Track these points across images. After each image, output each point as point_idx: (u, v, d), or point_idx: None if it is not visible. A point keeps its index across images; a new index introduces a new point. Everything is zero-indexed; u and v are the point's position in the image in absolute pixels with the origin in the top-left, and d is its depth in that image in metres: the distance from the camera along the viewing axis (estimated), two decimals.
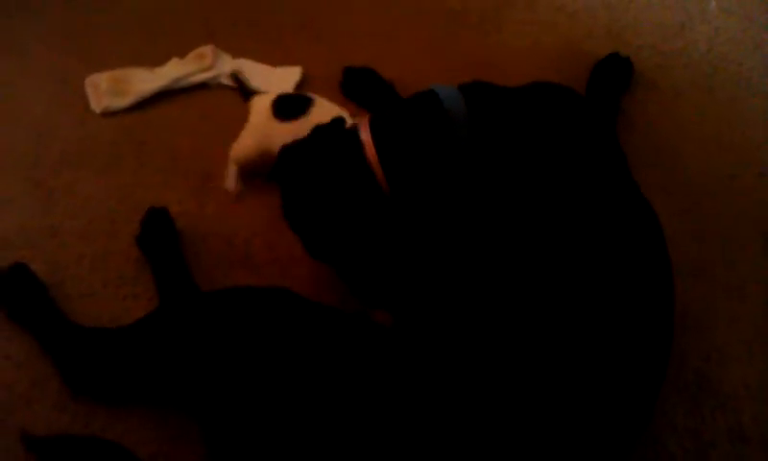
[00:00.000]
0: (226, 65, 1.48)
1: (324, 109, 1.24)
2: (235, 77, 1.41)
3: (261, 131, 1.26)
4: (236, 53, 1.51)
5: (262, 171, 1.25)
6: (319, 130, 1.05)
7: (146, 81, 1.45)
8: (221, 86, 1.47)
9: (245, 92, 1.36)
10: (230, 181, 1.29)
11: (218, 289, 1.04)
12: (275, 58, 1.50)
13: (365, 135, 1.00)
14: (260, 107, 1.28)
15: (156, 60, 1.49)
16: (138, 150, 1.36)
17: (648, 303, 0.89)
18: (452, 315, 0.91)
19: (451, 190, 0.97)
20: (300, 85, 1.46)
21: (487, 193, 0.95)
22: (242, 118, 1.29)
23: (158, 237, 1.18)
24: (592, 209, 0.91)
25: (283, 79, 1.47)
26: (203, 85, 1.47)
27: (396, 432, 0.81)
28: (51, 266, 1.17)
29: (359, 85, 1.44)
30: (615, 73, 1.47)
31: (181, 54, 1.50)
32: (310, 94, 1.30)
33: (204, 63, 1.47)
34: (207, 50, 1.49)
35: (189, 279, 1.14)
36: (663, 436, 1.03)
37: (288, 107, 1.25)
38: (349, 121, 1.16)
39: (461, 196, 0.97)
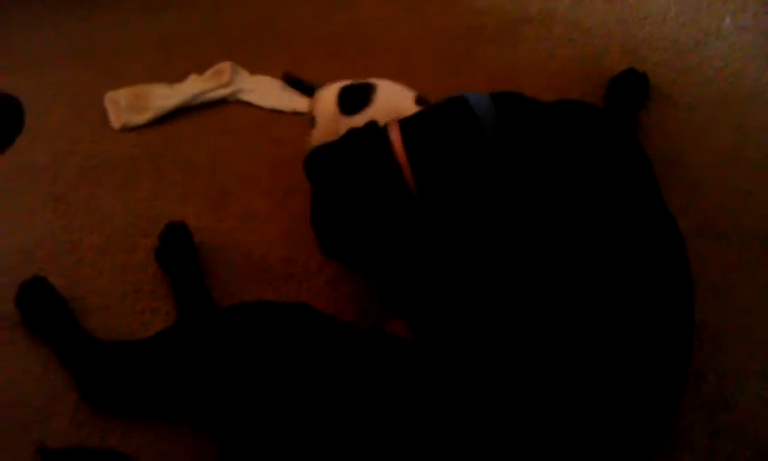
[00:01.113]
0: (243, 82, 1.50)
1: (389, 91, 1.22)
2: (288, 78, 1.42)
3: (332, 127, 1.23)
4: (254, 69, 1.53)
5: None
6: (351, 132, 1.06)
7: (165, 97, 1.46)
8: (239, 102, 1.48)
9: (305, 89, 1.36)
10: None
11: (236, 304, 1.04)
12: None
13: (395, 137, 1.00)
14: (325, 102, 1.26)
15: (175, 77, 1.51)
16: (157, 165, 1.37)
17: (669, 318, 0.88)
18: (475, 324, 0.91)
19: (478, 195, 0.97)
20: None
21: (513, 200, 0.95)
22: (260, 133, 1.30)
23: (177, 251, 1.19)
24: (617, 222, 0.91)
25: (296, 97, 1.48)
26: (221, 101, 1.48)
27: (415, 446, 0.81)
28: (70, 280, 1.18)
29: None
30: (633, 88, 1.47)
31: (200, 70, 1.52)
32: (373, 80, 1.26)
33: (223, 79, 1.49)
34: (225, 66, 1.51)
35: (206, 294, 1.14)
36: (680, 453, 1.02)
37: (352, 98, 1.23)
38: (411, 104, 1.15)
39: (487, 201, 0.96)
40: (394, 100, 1.07)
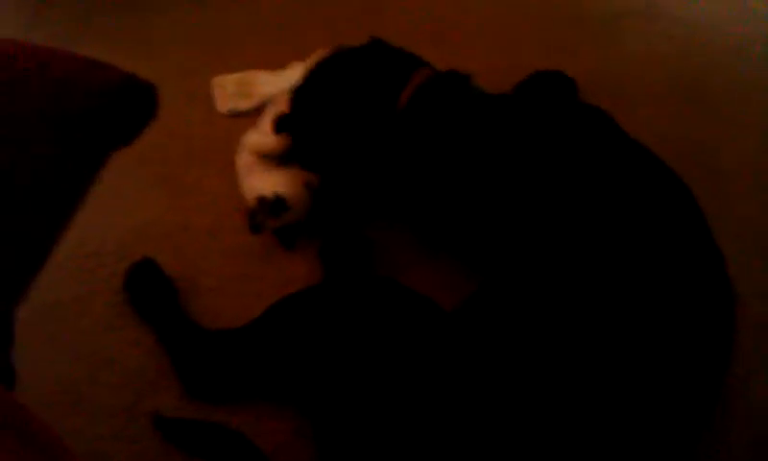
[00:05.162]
0: None
1: None
2: None
3: None
4: None
5: None
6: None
7: (269, 84, 1.49)
8: None
9: None
10: None
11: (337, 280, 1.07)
12: None
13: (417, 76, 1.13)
14: None
15: (279, 63, 1.53)
16: None
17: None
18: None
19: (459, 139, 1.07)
20: None
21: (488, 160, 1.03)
22: None
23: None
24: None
25: None
26: None
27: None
28: (179, 260, 1.22)
29: None
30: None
31: (302, 58, 1.54)
32: None
33: None
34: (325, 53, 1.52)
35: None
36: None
37: None
38: None
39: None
40: None
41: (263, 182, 1.22)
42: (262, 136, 1.28)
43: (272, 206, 1.18)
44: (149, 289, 1.17)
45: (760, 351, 1.08)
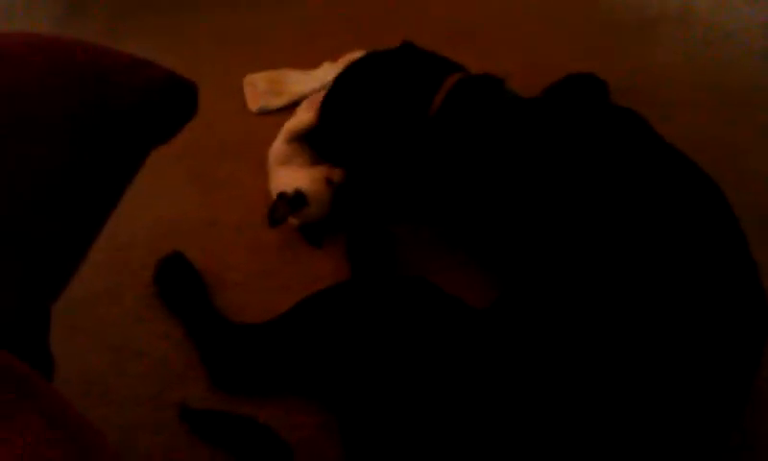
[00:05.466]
0: None
1: None
2: None
3: None
4: None
5: None
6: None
7: (300, 83, 1.51)
8: None
9: None
10: None
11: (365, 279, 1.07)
12: None
13: (450, 80, 1.12)
14: None
15: (310, 64, 1.55)
16: None
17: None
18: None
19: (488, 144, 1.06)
20: None
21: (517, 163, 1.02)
22: None
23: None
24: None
25: None
26: None
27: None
28: (207, 254, 1.23)
29: None
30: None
31: (334, 58, 1.55)
32: None
33: None
34: (358, 55, 1.53)
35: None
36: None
37: None
38: None
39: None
40: None
41: (287, 178, 1.23)
42: (299, 116, 1.29)
43: (291, 201, 1.19)
44: (178, 282, 1.18)
45: None
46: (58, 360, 1.09)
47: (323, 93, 1.26)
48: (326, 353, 0.96)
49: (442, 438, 0.82)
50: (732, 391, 0.82)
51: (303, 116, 1.28)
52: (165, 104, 0.73)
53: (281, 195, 1.20)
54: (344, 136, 1.21)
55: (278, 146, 1.28)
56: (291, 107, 1.47)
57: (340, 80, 1.22)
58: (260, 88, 1.50)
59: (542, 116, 1.06)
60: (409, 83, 1.15)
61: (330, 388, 0.96)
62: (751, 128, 1.41)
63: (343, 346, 0.94)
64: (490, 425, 0.80)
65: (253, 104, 1.49)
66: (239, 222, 1.28)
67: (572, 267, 0.91)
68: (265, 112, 1.48)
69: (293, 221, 1.23)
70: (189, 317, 1.14)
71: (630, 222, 0.89)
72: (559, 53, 1.57)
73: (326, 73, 1.52)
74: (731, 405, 0.82)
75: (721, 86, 1.48)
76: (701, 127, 1.40)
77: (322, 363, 0.96)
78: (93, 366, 1.11)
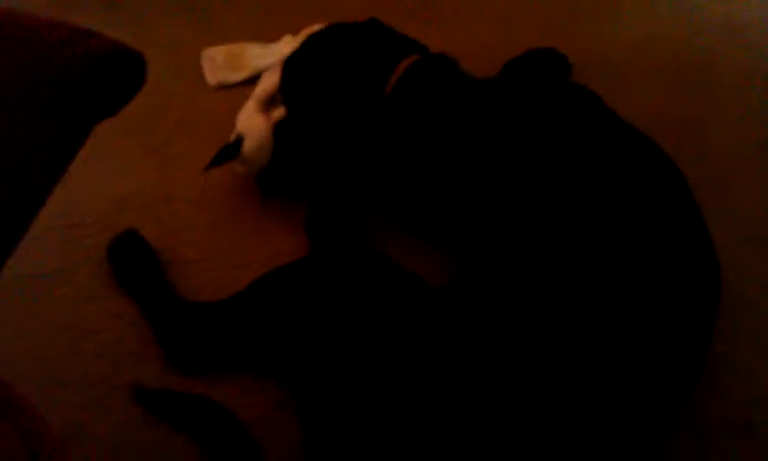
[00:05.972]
0: None
1: None
2: None
3: None
4: None
5: None
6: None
7: (260, 57, 1.47)
8: None
9: None
10: None
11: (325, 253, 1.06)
12: None
13: (405, 61, 1.10)
14: None
15: (270, 37, 1.51)
16: None
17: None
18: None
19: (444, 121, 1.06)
20: None
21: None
22: None
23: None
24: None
25: None
26: None
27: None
28: (163, 231, 1.21)
29: None
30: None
31: (294, 31, 1.51)
32: None
33: None
34: (319, 28, 1.50)
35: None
36: None
37: None
38: None
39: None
40: None
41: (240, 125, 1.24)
42: (265, 81, 1.27)
43: (231, 145, 1.20)
44: (132, 260, 1.15)
45: (742, 329, 1.08)
46: (9, 341, 1.07)
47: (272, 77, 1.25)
48: (284, 330, 0.95)
49: (399, 412, 0.81)
50: (682, 366, 0.83)
51: (270, 79, 1.25)
52: (110, 75, 0.70)
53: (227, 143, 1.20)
54: (301, 110, 1.19)
55: (246, 109, 1.26)
56: (251, 81, 1.44)
57: (299, 51, 1.19)
58: (219, 63, 1.47)
59: (493, 97, 1.06)
60: (366, 62, 1.13)
61: (288, 365, 0.96)
62: (710, 103, 1.42)
63: (300, 322, 0.93)
64: (445, 400, 0.80)
65: (212, 78, 1.46)
66: (196, 198, 1.25)
67: (525, 246, 0.91)
68: (224, 87, 1.45)
69: (239, 168, 1.22)
70: (143, 295, 1.12)
71: (581, 199, 0.89)
72: (521, 27, 1.56)
73: (288, 46, 1.48)
74: (681, 381, 0.83)
75: (685, 63, 1.49)
76: (661, 103, 1.41)
77: (279, 340, 0.96)
78: (45, 346, 1.09)
